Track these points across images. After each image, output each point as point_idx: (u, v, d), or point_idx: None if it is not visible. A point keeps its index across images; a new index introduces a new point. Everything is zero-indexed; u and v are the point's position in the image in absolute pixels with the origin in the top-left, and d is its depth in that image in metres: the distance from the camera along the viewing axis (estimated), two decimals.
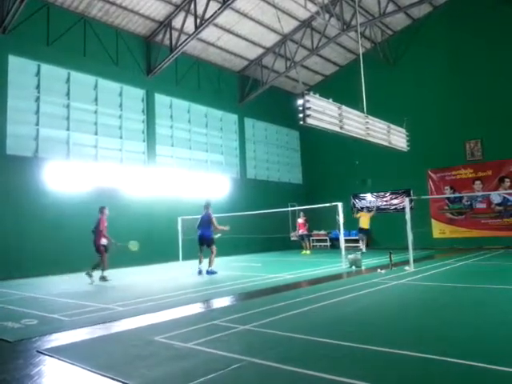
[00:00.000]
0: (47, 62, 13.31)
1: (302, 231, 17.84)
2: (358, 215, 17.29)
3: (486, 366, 3.35)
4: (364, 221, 16.94)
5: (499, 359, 3.49)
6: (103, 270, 10.00)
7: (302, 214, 17.97)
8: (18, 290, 9.10)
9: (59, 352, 4.22)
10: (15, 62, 12.61)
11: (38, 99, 13.11)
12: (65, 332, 5.10)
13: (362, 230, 17.01)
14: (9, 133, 12.22)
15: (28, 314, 6.21)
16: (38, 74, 13.19)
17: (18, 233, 11.79)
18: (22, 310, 6.55)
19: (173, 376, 3.45)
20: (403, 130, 11.91)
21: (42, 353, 4.21)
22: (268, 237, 17.42)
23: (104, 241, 9.94)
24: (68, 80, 13.92)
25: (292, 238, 18.63)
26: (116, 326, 5.39)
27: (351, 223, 17.71)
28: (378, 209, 20.59)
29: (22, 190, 12.18)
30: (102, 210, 10.38)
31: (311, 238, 22.28)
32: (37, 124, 13.01)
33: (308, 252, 17.42)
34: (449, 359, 3.52)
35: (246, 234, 16.84)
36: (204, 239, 11.09)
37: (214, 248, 11.17)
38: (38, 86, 13.15)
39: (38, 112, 13.07)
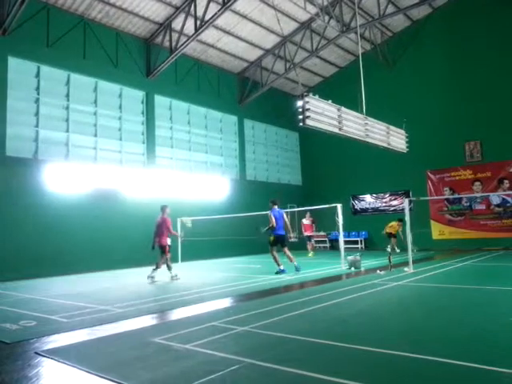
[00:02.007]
0: (47, 63, 13.33)
1: (308, 233, 17.17)
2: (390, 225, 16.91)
3: (483, 367, 3.34)
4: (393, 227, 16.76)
5: (497, 360, 3.48)
6: (156, 268, 9.90)
7: (308, 214, 17.27)
8: (17, 291, 9.09)
9: (57, 353, 4.21)
10: (15, 64, 12.63)
11: (37, 101, 13.12)
12: (63, 333, 5.09)
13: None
14: (8, 134, 12.22)
15: (26, 315, 6.20)
16: (37, 75, 13.21)
17: (17, 234, 11.78)
18: (20, 311, 6.54)
19: (172, 377, 3.44)
20: (402, 132, 11.93)
21: (40, 354, 4.20)
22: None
23: (169, 240, 10.11)
24: (68, 82, 13.94)
25: (290, 240, 18.21)
26: (115, 327, 5.38)
27: (351, 224, 17.73)
28: (378, 210, 20.60)
29: (22, 191, 12.17)
30: (164, 208, 10.35)
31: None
32: (36, 125, 13.02)
33: (311, 254, 16.87)
34: (447, 360, 3.52)
35: (246, 235, 16.83)
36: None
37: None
38: (37, 88, 13.16)
39: (37, 113, 13.08)
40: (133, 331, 5.13)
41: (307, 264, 13.45)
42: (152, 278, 9.75)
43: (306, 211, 17.18)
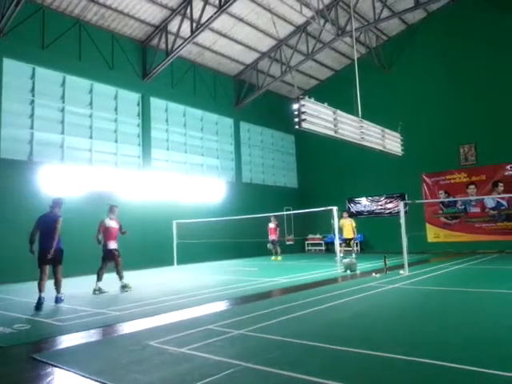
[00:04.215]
0: (42, 65, 13.28)
1: (272, 236, 16.80)
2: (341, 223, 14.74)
3: (479, 369, 3.36)
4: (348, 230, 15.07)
5: (493, 363, 3.50)
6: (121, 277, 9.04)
7: (273, 218, 16.75)
8: (11, 294, 9.03)
9: (52, 357, 4.18)
10: (10, 65, 12.56)
11: (32, 102, 13.06)
12: (58, 337, 5.06)
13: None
14: (3, 136, 12.15)
15: (20, 318, 6.16)
16: (32, 77, 13.14)
17: (10, 237, 11.67)
18: (15, 314, 6.49)
19: (167, 381, 3.43)
20: (398, 135, 11.98)
21: (34, 358, 4.16)
22: (263, 241, 17.40)
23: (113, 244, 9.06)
24: (63, 83, 13.88)
25: (269, 247, 17.37)
26: (110, 330, 5.35)
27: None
28: (373, 213, 20.66)
29: (16, 194, 12.09)
30: (112, 208, 9.39)
31: (306, 243, 22.34)
32: (31, 127, 12.95)
33: (279, 258, 16.64)
34: (442, 363, 3.53)
35: (242, 238, 16.84)
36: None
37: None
38: (32, 90, 13.10)
39: (32, 115, 13.01)
40: (128, 335, 5.11)
41: (302, 267, 13.46)
42: (124, 286, 8.94)
43: (271, 216, 16.52)
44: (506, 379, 3.18)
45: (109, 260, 9.04)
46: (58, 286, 7.69)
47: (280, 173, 22.61)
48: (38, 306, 6.98)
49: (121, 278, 8.98)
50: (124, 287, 8.93)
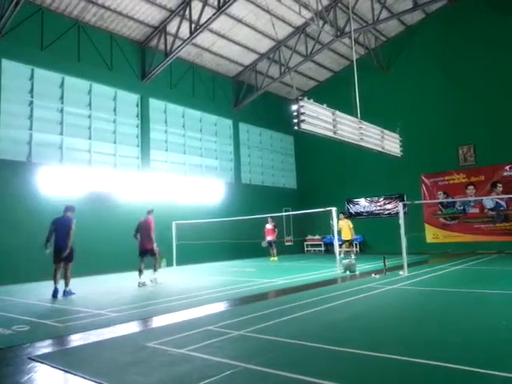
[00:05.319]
0: (41, 66, 13.27)
1: (270, 237, 16.89)
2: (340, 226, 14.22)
3: (477, 370, 3.36)
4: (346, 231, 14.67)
5: (490, 364, 3.50)
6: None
7: (270, 219, 16.83)
8: (10, 295, 9.01)
9: (51, 358, 4.17)
10: (9, 66, 12.55)
11: (31, 103, 13.05)
12: (57, 338, 5.05)
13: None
14: (2, 137, 12.14)
15: (19, 319, 6.14)
16: (31, 78, 13.13)
17: (10, 238, 11.66)
18: (13, 315, 6.47)
19: (167, 382, 3.43)
20: (397, 136, 11.99)
21: (33, 359, 4.15)
22: (262, 241, 17.38)
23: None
24: (62, 84, 13.87)
25: (263, 245, 17.33)
26: (109, 331, 5.34)
27: None
28: (372, 213, 20.67)
29: (15, 195, 12.07)
30: (150, 212, 10.95)
31: (305, 243, 22.34)
32: (30, 128, 12.93)
33: (275, 259, 16.73)
34: (439, 363, 3.52)
35: (241, 239, 16.83)
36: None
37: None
38: (31, 91, 13.09)
39: (31, 116, 13.00)
40: (127, 336, 5.10)
41: (301, 268, 13.45)
42: (155, 279, 10.21)
43: (268, 217, 16.53)
44: (507, 380, 3.18)
45: (141, 256, 10.32)
46: (66, 281, 8.67)
47: (279, 174, 22.61)
48: (55, 294, 8.33)
49: (141, 274, 10.03)
50: (143, 283, 9.93)
